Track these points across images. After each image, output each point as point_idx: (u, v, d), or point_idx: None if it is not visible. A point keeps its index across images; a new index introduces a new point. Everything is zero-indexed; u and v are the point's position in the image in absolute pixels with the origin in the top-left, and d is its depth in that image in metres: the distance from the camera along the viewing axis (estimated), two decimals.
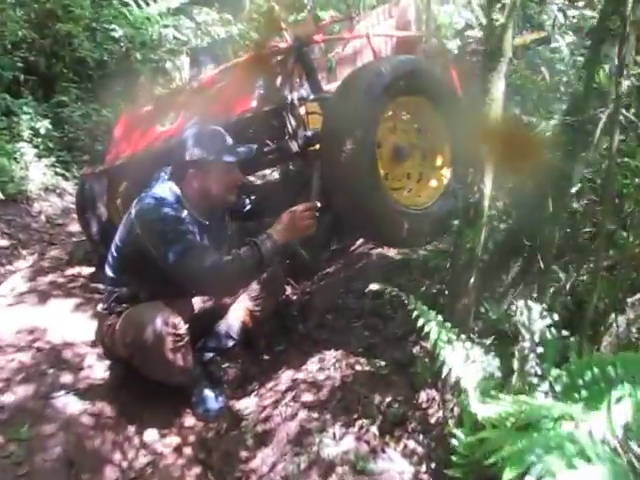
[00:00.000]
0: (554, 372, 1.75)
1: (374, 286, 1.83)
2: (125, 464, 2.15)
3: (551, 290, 2.11)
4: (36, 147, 5.16)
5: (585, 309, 2.08)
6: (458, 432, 1.76)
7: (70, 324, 2.73)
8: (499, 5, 1.69)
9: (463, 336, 1.87)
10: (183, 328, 2.23)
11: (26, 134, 5.11)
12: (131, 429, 2.29)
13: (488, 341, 2.07)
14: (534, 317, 1.75)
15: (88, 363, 2.47)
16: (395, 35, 3.54)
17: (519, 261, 2.18)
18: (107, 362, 2.49)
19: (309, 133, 2.63)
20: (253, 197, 2.78)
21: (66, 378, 2.35)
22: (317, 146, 2.55)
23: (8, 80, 5.45)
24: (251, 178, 3.66)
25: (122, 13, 6.31)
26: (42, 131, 5.18)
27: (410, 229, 2.42)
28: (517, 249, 2.15)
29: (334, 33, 4.74)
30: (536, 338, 1.73)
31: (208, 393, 2.47)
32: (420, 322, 1.74)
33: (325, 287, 3.25)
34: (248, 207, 2.77)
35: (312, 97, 2.65)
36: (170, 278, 2.24)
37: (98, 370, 2.45)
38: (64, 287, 3.15)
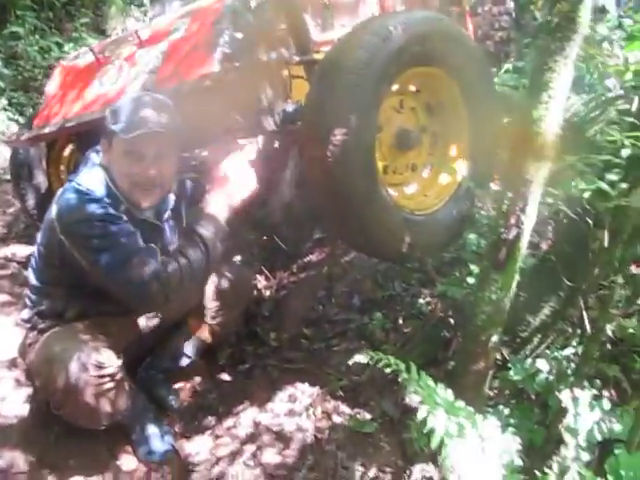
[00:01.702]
0: None
1: (359, 358, 1.31)
2: None
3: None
4: None
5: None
6: None
7: None
8: None
9: (477, 417, 1.38)
10: (113, 365, 1.73)
11: None
12: None
13: (506, 410, 1.60)
14: (581, 411, 1.25)
15: (1, 394, 1.97)
16: None
17: (551, 302, 1.67)
18: (27, 390, 1.99)
19: (290, 107, 2.05)
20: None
21: None
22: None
23: None
24: None
25: None
26: None
27: (412, 242, 1.89)
28: (551, 288, 1.64)
29: None
30: (581, 441, 1.25)
31: (153, 430, 1.99)
32: (423, 412, 1.24)
33: (304, 285, 2.74)
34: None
35: (297, 59, 2.04)
36: (106, 294, 1.77)
37: (13, 404, 1.95)
38: None
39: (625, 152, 1.19)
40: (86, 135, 2.37)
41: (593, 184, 1.24)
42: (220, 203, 1.84)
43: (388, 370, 1.29)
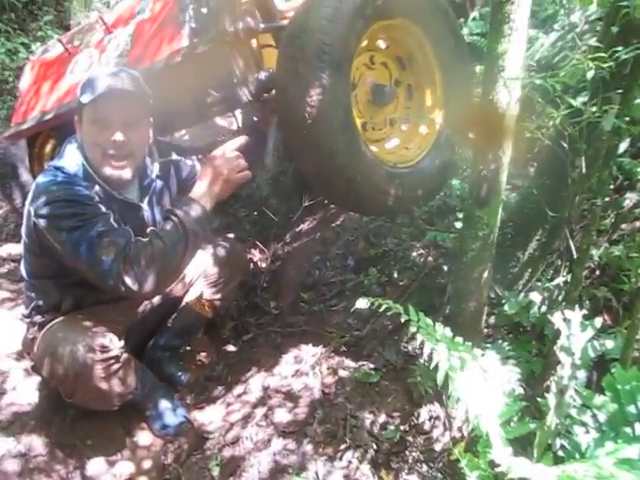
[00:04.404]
0: (598, 400, 1.34)
1: (360, 303, 1.34)
2: None
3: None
4: None
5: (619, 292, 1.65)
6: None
7: None
8: None
9: (477, 351, 1.43)
10: (116, 347, 1.76)
11: None
12: (70, 463, 1.88)
13: (505, 343, 1.65)
14: (574, 331, 1.30)
15: (12, 384, 2.01)
16: None
17: (538, 235, 1.71)
18: (37, 379, 2.03)
19: (263, 75, 2.05)
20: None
21: None
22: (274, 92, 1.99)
23: None
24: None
25: None
26: None
27: (398, 194, 1.92)
28: (537, 221, 1.68)
29: None
30: (577, 359, 1.29)
31: (165, 405, 2.05)
32: (427, 348, 1.28)
33: (298, 252, 2.77)
34: None
35: (263, 27, 2.04)
36: None
37: (25, 392, 2.00)
38: None
39: (590, 74, 1.21)
40: (65, 127, 2.38)
41: (564, 109, 1.26)
42: (207, 189, 1.75)
43: (388, 313, 1.32)
